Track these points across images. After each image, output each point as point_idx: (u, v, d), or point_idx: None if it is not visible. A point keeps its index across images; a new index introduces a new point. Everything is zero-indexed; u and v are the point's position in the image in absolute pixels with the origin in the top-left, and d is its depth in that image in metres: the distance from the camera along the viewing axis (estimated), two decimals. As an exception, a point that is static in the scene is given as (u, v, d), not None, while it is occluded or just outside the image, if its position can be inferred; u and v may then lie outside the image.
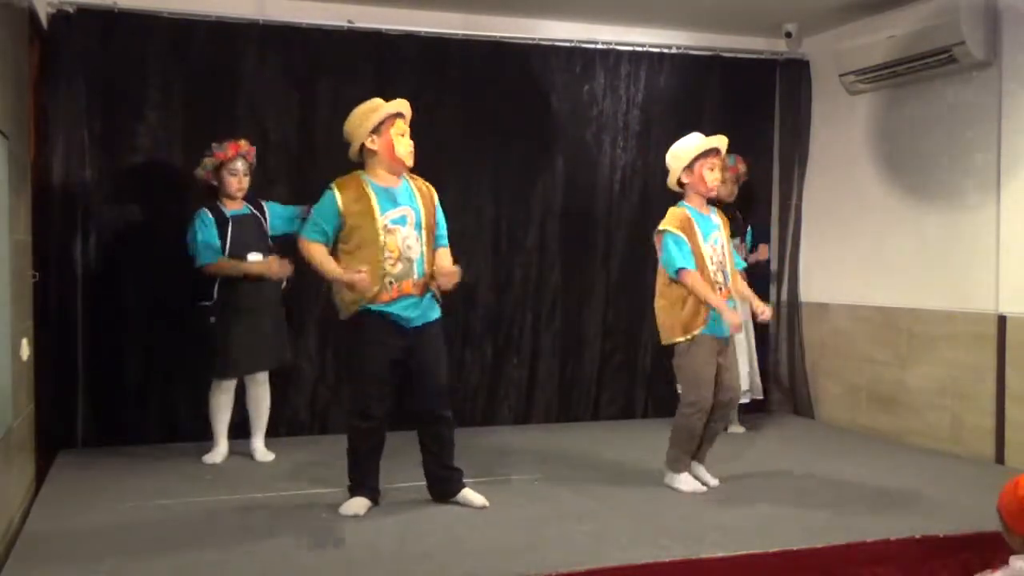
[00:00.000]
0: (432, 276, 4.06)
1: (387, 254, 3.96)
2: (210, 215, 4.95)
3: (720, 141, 4.45)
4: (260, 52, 5.65)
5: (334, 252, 4.05)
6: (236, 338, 4.92)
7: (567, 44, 6.21)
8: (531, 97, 6.15)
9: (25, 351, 4.25)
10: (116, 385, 5.45)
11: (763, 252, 6.16)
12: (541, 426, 6.15)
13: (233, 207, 5.03)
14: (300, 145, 5.75)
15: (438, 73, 5.88)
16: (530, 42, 6.13)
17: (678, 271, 4.35)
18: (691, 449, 4.47)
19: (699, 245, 4.38)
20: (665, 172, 4.61)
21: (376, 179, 4.05)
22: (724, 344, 4.44)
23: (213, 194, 5.05)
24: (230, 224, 4.97)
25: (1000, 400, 5.11)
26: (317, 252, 4.02)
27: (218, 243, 4.92)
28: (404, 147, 4.03)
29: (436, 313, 4.13)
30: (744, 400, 5.91)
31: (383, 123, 4.01)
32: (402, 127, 4.04)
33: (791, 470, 4.69)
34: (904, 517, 3.98)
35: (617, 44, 6.29)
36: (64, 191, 5.32)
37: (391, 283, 3.97)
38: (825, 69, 6.33)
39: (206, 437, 5.22)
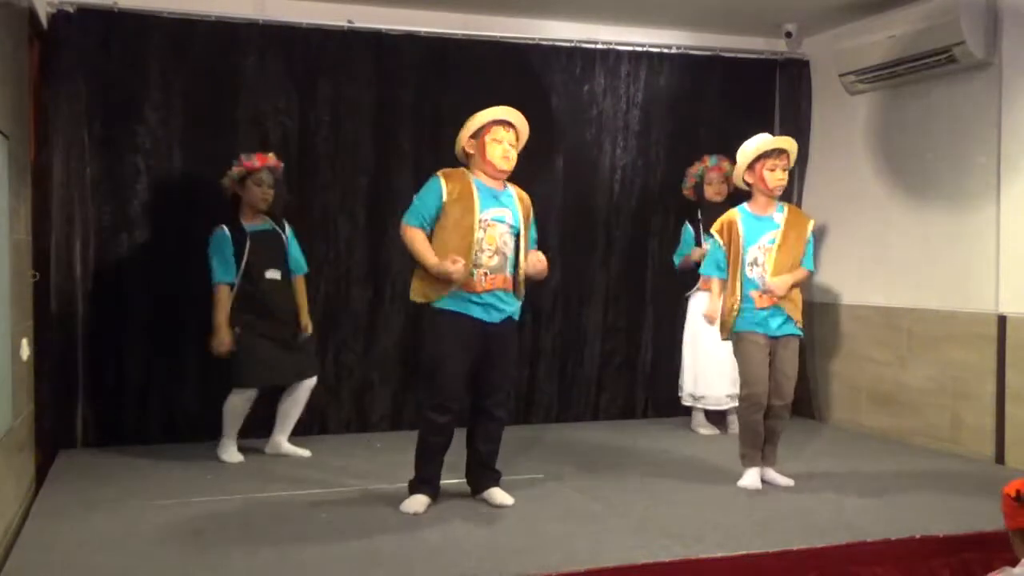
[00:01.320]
0: (524, 275, 4.14)
1: (485, 246, 4.02)
2: (227, 232, 4.96)
3: (784, 142, 4.52)
4: (260, 52, 5.64)
5: (430, 235, 4.08)
6: (259, 350, 4.95)
7: (567, 44, 6.21)
8: (531, 97, 6.13)
9: (25, 351, 4.25)
10: (116, 385, 5.45)
11: (695, 254, 5.78)
12: (541, 426, 6.15)
13: (255, 222, 5.04)
14: (300, 145, 5.75)
15: (438, 73, 5.88)
16: (530, 42, 6.13)
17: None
18: (756, 445, 4.50)
19: (739, 249, 4.46)
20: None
21: (479, 178, 4.12)
22: (775, 342, 4.48)
23: (236, 206, 5.05)
24: (248, 240, 4.98)
25: (1000, 400, 5.11)
26: (417, 239, 4.05)
27: (232, 261, 4.94)
28: (497, 152, 4.07)
29: (517, 311, 4.18)
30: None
31: (482, 128, 4.08)
32: (500, 134, 4.08)
33: (791, 470, 4.68)
34: (904, 517, 3.98)
35: (617, 44, 6.29)
36: (64, 191, 5.32)
37: (486, 274, 4.02)
38: (825, 69, 6.33)
39: (206, 437, 5.23)
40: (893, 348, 5.82)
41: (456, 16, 5.97)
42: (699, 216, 5.84)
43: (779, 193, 4.52)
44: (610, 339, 6.39)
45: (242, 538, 3.72)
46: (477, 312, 4.03)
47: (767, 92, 6.67)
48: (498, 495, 4.19)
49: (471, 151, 4.13)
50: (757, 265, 4.46)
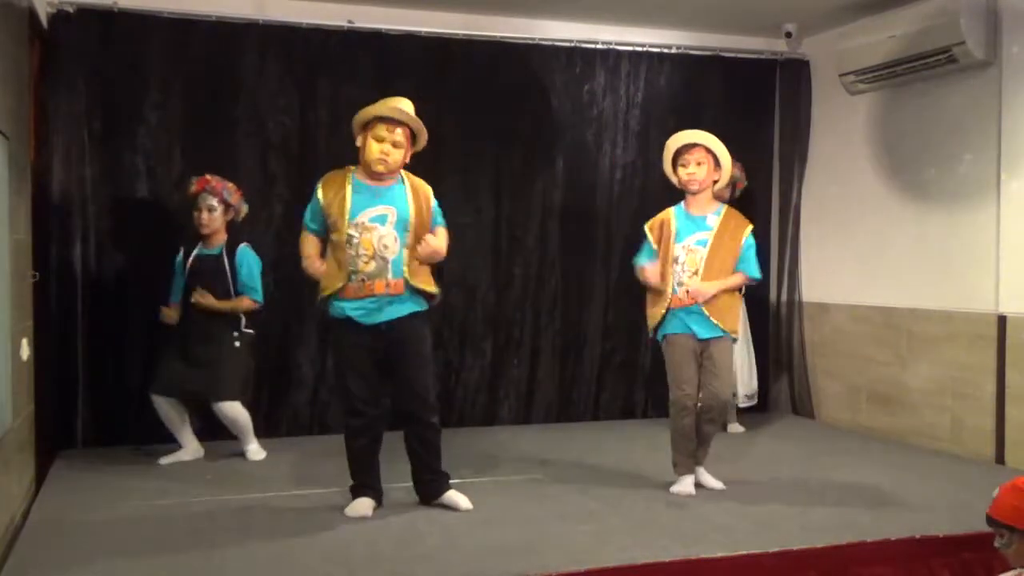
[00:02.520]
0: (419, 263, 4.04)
1: (361, 251, 3.93)
2: (181, 255, 5.10)
3: (693, 136, 4.41)
4: (260, 52, 5.64)
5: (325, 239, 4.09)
6: (168, 361, 5.01)
7: (567, 44, 6.21)
8: (531, 97, 6.15)
9: (25, 351, 4.25)
10: (116, 385, 5.45)
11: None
12: (541, 426, 6.15)
13: (209, 245, 5.05)
14: (300, 145, 5.75)
15: (438, 73, 5.88)
16: (530, 42, 6.13)
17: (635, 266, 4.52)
18: (686, 450, 4.44)
19: (670, 244, 4.40)
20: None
21: (361, 177, 4.04)
22: (705, 345, 4.39)
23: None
24: (191, 262, 5.04)
25: (1000, 400, 5.11)
26: (305, 242, 4.10)
27: (180, 282, 5.06)
28: (373, 152, 3.95)
29: (413, 306, 4.03)
30: (745, 404, 5.91)
31: (368, 124, 3.99)
32: (381, 132, 3.95)
33: (791, 470, 4.69)
34: (904, 517, 3.98)
35: (617, 44, 6.29)
36: (64, 191, 5.32)
37: (363, 280, 3.94)
38: (825, 69, 6.33)
39: (206, 437, 5.23)
40: (893, 348, 5.82)
41: (456, 16, 5.97)
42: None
43: (694, 188, 4.39)
44: (610, 339, 6.39)
45: (241, 538, 3.72)
46: (365, 317, 3.96)
47: (767, 92, 6.67)
48: (458, 499, 4.10)
49: (359, 145, 4.04)
50: (677, 263, 4.38)
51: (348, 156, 5.77)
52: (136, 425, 5.45)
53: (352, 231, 3.94)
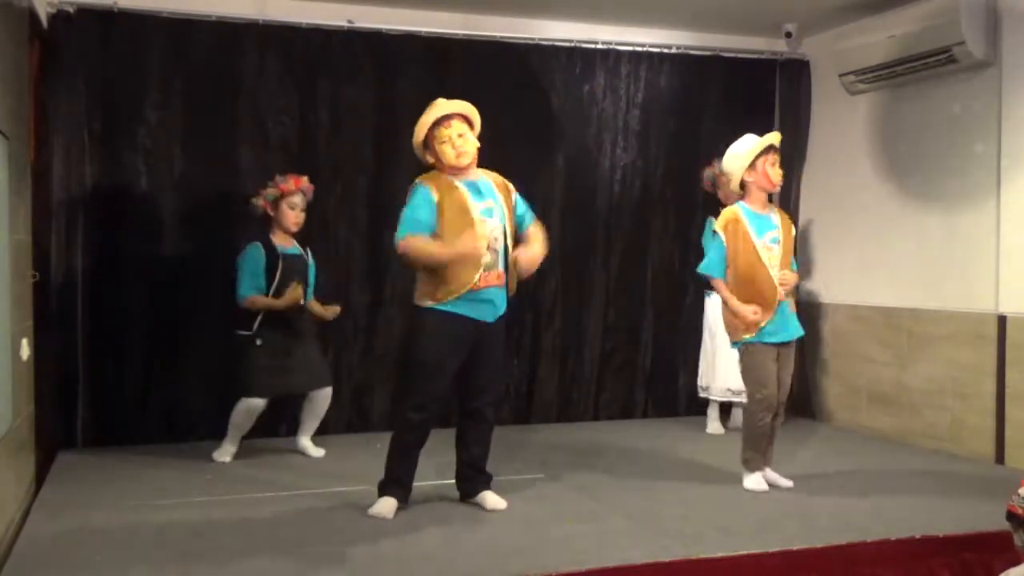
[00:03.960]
0: (514, 264, 4.06)
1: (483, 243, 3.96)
2: (262, 250, 4.99)
3: (775, 138, 4.53)
4: (260, 52, 5.64)
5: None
6: (272, 362, 4.97)
7: (567, 44, 6.21)
8: (531, 97, 6.15)
9: (25, 351, 4.25)
10: (116, 385, 5.45)
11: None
12: (541, 426, 6.15)
13: (286, 244, 5.08)
14: (300, 145, 5.75)
15: (438, 73, 5.88)
16: (530, 42, 6.13)
17: (707, 278, 4.62)
18: (762, 448, 4.51)
19: (752, 242, 4.44)
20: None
21: (455, 176, 4.05)
22: (784, 346, 4.51)
23: (266, 226, 5.07)
24: (281, 261, 5.00)
25: (1000, 400, 5.11)
26: (420, 242, 3.96)
27: (263, 279, 4.97)
28: (449, 153, 4.01)
29: (505, 306, 4.13)
30: (740, 399, 5.89)
31: (427, 136, 4.04)
32: (443, 134, 4.00)
33: (791, 470, 4.69)
34: (904, 517, 3.98)
35: (617, 44, 6.29)
36: (64, 191, 5.32)
37: (482, 274, 3.97)
38: (825, 69, 6.33)
39: (206, 437, 5.24)
40: (893, 348, 5.82)
41: (456, 16, 5.97)
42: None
43: (778, 189, 4.58)
44: (610, 339, 6.39)
45: (241, 539, 3.72)
46: (475, 311, 3.99)
47: (767, 92, 6.67)
48: (491, 499, 4.15)
49: (431, 159, 4.09)
50: (769, 262, 4.47)
51: (348, 156, 5.83)
52: (136, 425, 5.46)
53: (476, 222, 3.96)
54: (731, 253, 4.47)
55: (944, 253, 5.50)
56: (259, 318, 4.97)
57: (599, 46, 6.26)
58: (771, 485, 4.50)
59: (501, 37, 6.06)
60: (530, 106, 6.14)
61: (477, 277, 3.95)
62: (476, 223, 3.95)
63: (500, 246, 4.04)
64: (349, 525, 3.89)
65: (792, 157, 6.60)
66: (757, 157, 4.46)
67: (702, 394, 6.02)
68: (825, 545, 3.61)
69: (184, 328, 5.48)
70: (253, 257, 4.98)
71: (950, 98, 5.47)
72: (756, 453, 4.51)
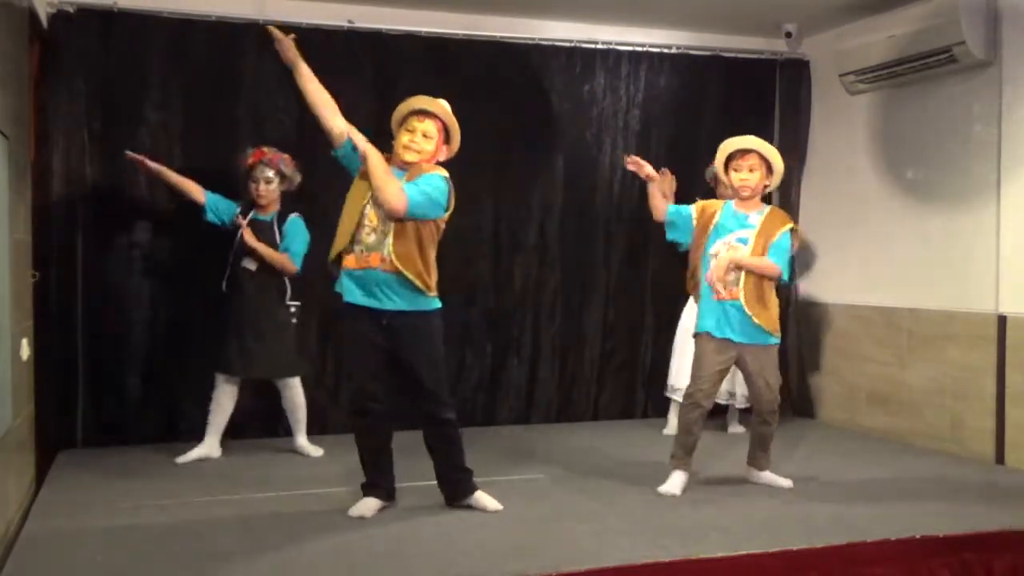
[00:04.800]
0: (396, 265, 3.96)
1: (366, 222, 3.95)
2: (238, 207, 5.05)
3: (747, 142, 4.45)
4: (260, 52, 5.63)
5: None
6: (227, 338, 4.98)
7: (567, 44, 6.21)
8: (531, 97, 6.15)
9: (25, 351, 4.25)
10: (116, 385, 5.45)
11: None
12: (541, 426, 6.15)
13: (261, 213, 5.09)
14: (300, 145, 5.74)
15: (438, 73, 5.87)
16: (530, 42, 6.13)
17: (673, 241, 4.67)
18: (685, 444, 4.44)
19: (707, 234, 4.45)
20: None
21: (397, 166, 4.07)
22: (744, 349, 4.38)
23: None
24: (246, 220, 5.03)
25: (1000, 400, 5.11)
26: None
27: (221, 208, 5.04)
28: (403, 140, 4.05)
29: (421, 304, 3.97)
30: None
31: (403, 119, 4.11)
32: (413, 124, 4.06)
33: (791, 470, 4.69)
34: (904, 517, 3.98)
35: (617, 44, 6.29)
36: (64, 191, 5.32)
37: (363, 251, 3.95)
38: (825, 69, 6.33)
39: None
40: (893, 348, 5.82)
41: (456, 16, 5.97)
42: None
43: (747, 193, 4.42)
44: (610, 339, 6.39)
45: (241, 538, 3.72)
46: (367, 299, 3.92)
47: (767, 92, 6.67)
48: (484, 500, 4.09)
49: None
50: (715, 257, 4.39)
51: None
52: (136, 425, 5.46)
53: (368, 202, 3.99)
54: (696, 231, 4.49)
55: (944, 253, 5.50)
56: (224, 279, 5.02)
57: (599, 46, 6.26)
58: (769, 486, 4.50)
59: (501, 37, 6.06)
60: (530, 106, 6.14)
61: (351, 247, 3.94)
62: (367, 201, 3.96)
63: (383, 234, 3.92)
64: (349, 525, 3.89)
65: (792, 157, 6.60)
66: (728, 161, 4.46)
67: (667, 393, 5.93)
68: (825, 545, 3.61)
69: (184, 328, 5.47)
70: (214, 203, 5.07)
71: (950, 98, 5.47)
72: (679, 448, 4.45)
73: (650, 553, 3.49)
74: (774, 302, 4.44)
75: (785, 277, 4.49)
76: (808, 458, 5.20)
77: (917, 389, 5.64)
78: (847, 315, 6.22)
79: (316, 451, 5.21)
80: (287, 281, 5.11)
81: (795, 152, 6.58)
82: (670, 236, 4.64)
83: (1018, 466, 4.96)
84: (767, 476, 4.58)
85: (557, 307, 6.27)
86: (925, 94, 5.63)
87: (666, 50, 6.39)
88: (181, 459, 4.99)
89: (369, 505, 4.03)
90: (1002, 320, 5.11)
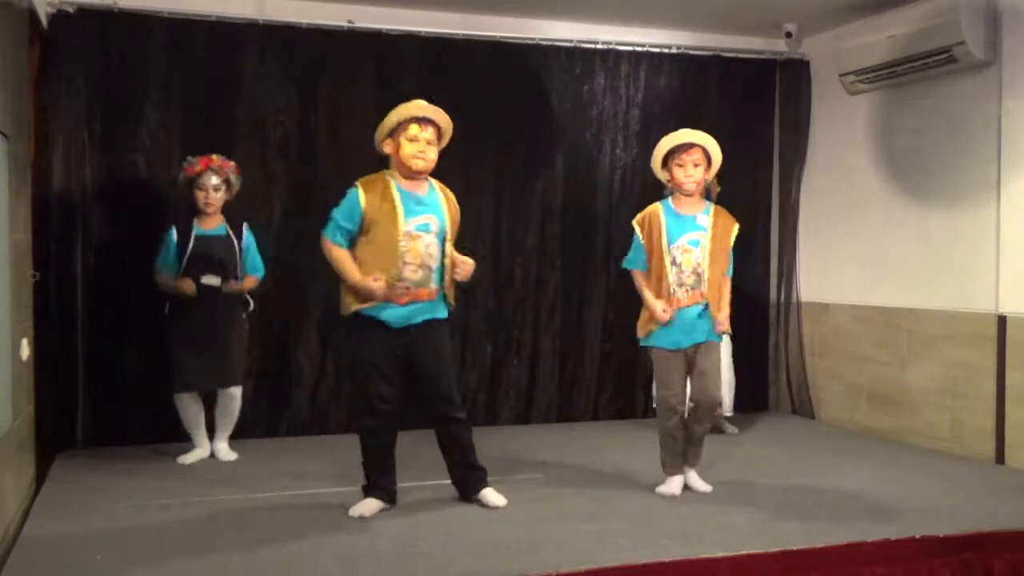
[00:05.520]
0: (452, 267, 4.05)
1: (408, 260, 3.94)
2: (175, 234, 4.96)
3: (692, 135, 4.32)
4: (260, 52, 5.65)
5: (353, 244, 4.02)
6: (185, 355, 4.95)
7: (567, 44, 6.21)
8: (531, 97, 6.15)
9: (25, 351, 4.25)
10: (116, 385, 5.45)
11: None
12: (541, 426, 6.15)
13: (207, 225, 5.01)
14: (300, 145, 5.75)
15: (438, 73, 5.88)
16: (530, 42, 6.13)
17: (626, 269, 4.48)
18: (673, 449, 4.43)
19: (662, 245, 4.30)
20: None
21: (400, 183, 4.04)
22: (694, 349, 4.34)
23: (194, 207, 5.04)
24: (192, 243, 4.95)
25: (1000, 400, 5.11)
26: (339, 256, 3.99)
27: (173, 261, 4.94)
28: (410, 151, 3.99)
29: (442, 312, 4.10)
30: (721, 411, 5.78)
31: (399, 126, 4.01)
32: (414, 131, 3.99)
33: (791, 470, 4.69)
34: (904, 517, 3.98)
35: (617, 44, 6.29)
36: (64, 191, 5.32)
37: (408, 288, 3.95)
38: (825, 69, 6.33)
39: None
40: (893, 348, 5.82)
41: (456, 16, 5.97)
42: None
43: (691, 189, 4.31)
44: (610, 339, 6.39)
45: (241, 538, 3.72)
46: (395, 318, 3.97)
47: (767, 92, 6.68)
48: (490, 496, 4.16)
49: (388, 151, 4.06)
50: (675, 265, 4.30)
51: (348, 156, 5.82)
52: (136, 425, 5.46)
53: (402, 240, 3.94)
54: (648, 248, 4.36)
55: (944, 253, 5.50)
56: (167, 303, 4.97)
57: (599, 46, 6.26)
58: (689, 488, 4.44)
59: (501, 37, 6.06)
60: (530, 106, 6.14)
61: (398, 292, 3.93)
62: (400, 239, 3.93)
63: (435, 261, 4.01)
64: (349, 525, 3.89)
65: (792, 157, 6.61)
66: (669, 155, 4.32)
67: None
68: (825, 545, 3.61)
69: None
70: (165, 240, 4.97)
71: (950, 98, 5.47)
72: (669, 455, 4.44)
73: (650, 553, 3.49)
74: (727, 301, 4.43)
75: (729, 273, 4.45)
76: (808, 458, 5.20)
77: (917, 389, 5.64)
78: (847, 315, 6.22)
79: (231, 455, 5.14)
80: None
81: (795, 152, 6.58)
82: (638, 267, 4.43)
83: (1018, 466, 4.95)
84: (693, 476, 4.50)
85: (557, 307, 6.27)
86: (925, 94, 5.63)
87: (666, 50, 6.39)
88: (184, 459, 5.01)
89: (370, 506, 4.04)
90: (1002, 320, 5.11)
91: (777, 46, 6.53)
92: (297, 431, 5.73)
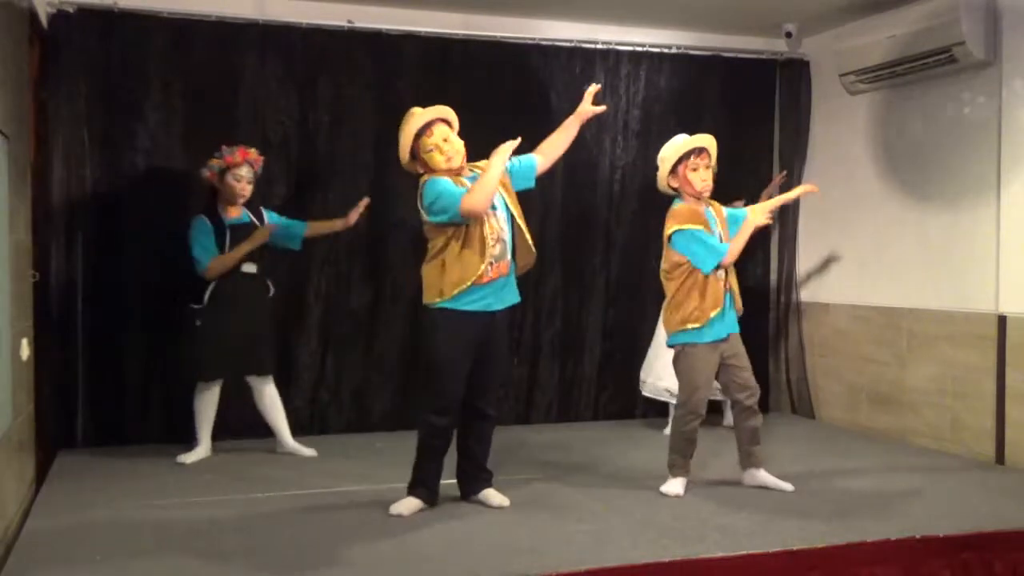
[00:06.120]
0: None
1: (488, 235, 3.98)
2: (208, 222, 4.99)
3: (702, 140, 4.39)
4: (260, 52, 5.64)
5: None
6: (222, 341, 4.96)
7: (567, 44, 6.20)
8: (531, 97, 6.14)
9: (25, 351, 4.25)
10: (116, 385, 5.45)
11: None
12: (541, 426, 6.15)
13: (233, 214, 5.07)
14: (300, 145, 5.75)
15: (438, 73, 5.88)
16: (530, 42, 6.13)
17: (720, 264, 4.36)
18: (687, 452, 4.45)
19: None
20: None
21: (450, 178, 4.01)
22: (728, 342, 4.40)
23: (213, 196, 5.06)
24: (228, 233, 5.00)
25: (1000, 400, 5.11)
26: (477, 182, 3.94)
27: (215, 248, 4.97)
28: (440, 158, 4.01)
29: (515, 296, 4.16)
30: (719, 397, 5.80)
31: (415, 147, 4.03)
32: (428, 143, 4.00)
33: (791, 470, 4.68)
34: (904, 517, 3.98)
35: (617, 44, 6.29)
36: (64, 191, 5.32)
37: (491, 263, 3.99)
38: (825, 69, 6.33)
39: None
40: (893, 348, 5.82)
41: (456, 16, 5.97)
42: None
43: (708, 193, 4.39)
44: (610, 339, 6.39)
45: (241, 539, 3.72)
46: (483, 304, 3.99)
47: (767, 92, 6.67)
48: (494, 496, 4.18)
49: (422, 170, 4.08)
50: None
51: (348, 156, 5.83)
52: (136, 425, 5.46)
53: (485, 218, 3.97)
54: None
55: (944, 253, 5.50)
56: (208, 293, 4.99)
57: (599, 46, 6.26)
58: (765, 488, 4.46)
59: (501, 37, 6.06)
60: (530, 106, 6.13)
61: (483, 268, 3.95)
62: (485, 218, 3.96)
63: (507, 236, 4.06)
64: (349, 525, 3.89)
65: (792, 157, 6.61)
66: (679, 161, 4.36)
67: (665, 397, 5.85)
68: (825, 545, 3.61)
69: (184, 328, 5.46)
70: (200, 227, 4.98)
71: (950, 98, 5.47)
72: (680, 458, 4.45)
73: (650, 553, 3.49)
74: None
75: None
76: (808, 457, 5.20)
77: (917, 389, 5.64)
78: (847, 315, 6.22)
79: (309, 451, 5.19)
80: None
81: (795, 152, 6.58)
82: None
83: (1018, 466, 4.95)
84: (763, 475, 4.52)
85: (557, 307, 6.27)
86: (925, 94, 5.63)
87: (666, 50, 6.39)
88: (184, 459, 5.01)
89: (411, 504, 4.04)
90: (1002, 320, 5.11)
91: (777, 46, 6.53)
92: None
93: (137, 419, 5.47)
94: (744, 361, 4.46)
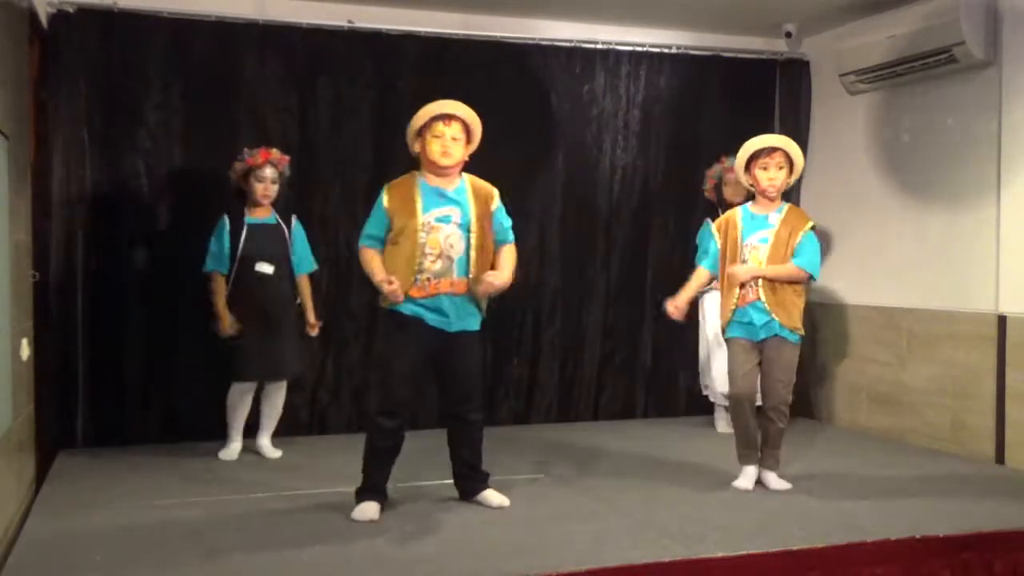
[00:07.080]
0: (474, 282, 4.03)
1: (428, 250, 3.97)
2: (227, 222, 5.02)
3: (774, 140, 4.52)
4: (260, 52, 5.65)
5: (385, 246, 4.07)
6: (246, 344, 4.97)
7: (567, 44, 6.21)
8: (531, 97, 6.15)
9: (25, 351, 4.25)
10: (116, 385, 5.45)
11: None
12: (541, 426, 6.15)
13: (258, 215, 5.08)
14: (300, 145, 5.74)
15: (438, 73, 5.88)
16: (530, 42, 6.13)
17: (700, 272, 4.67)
18: (747, 438, 4.50)
19: (737, 243, 4.46)
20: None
21: (427, 179, 4.08)
22: (763, 345, 4.44)
23: (241, 197, 5.09)
24: (245, 230, 5.01)
25: (1000, 400, 5.11)
26: (366, 256, 4.06)
27: (227, 251, 4.99)
28: (436, 149, 4.01)
29: (474, 324, 4.10)
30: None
31: (424, 126, 4.04)
32: (439, 129, 4.02)
33: (791, 470, 4.69)
34: (904, 517, 3.98)
35: (617, 44, 6.29)
36: (64, 191, 5.32)
37: (428, 280, 3.97)
38: (825, 69, 6.33)
39: (206, 437, 5.24)
40: (893, 348, 5.82)
41: (456, 16, 5.97)
42: (720, 216, 5.79)
43: (773, 193, 4.45)
44: (610, 339, 6.39)
45: (242, 539, 3.72)
46: (429, 318, 3.99)
47: (767, 92, 6.67)
48: (493, 497, 4.17)
49: (418, 150, 4.10)
50: (744, 263, 4.44)
51: (348, 156, 5.83)
52: (136, 425, 5.46)
53: (421, 231, 3.97)
54: (722, 251, 4.52)
55: (944, 253, 5.50)
56: (228, 293, 5.02)
57: (599, 46, 6.26)
58: (762, 486, 4.48)
59: (501, 37, 6.06)
60: (530, 106, 6.14)
61: (412, 279, 3.94)
62: (419, 230, 3.96)
63: (457, 252, 4.00)
64: (349, 525, 3.89)
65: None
66: (751, 160, 4.46)
67: (704, 392, 6.02)
68: (825, 545, 3.61)
69: (184, 328, 5.47)
70: (217, 228, 5.02)
71: (950, 98, 5.47)
72: (741, 448, 4.54)
73: (650, 553, 3.49)
74: (792, 301, 4.47)
75: (813, 271, 4.49)
76: (808, 458, 5.20)
77: (917, 389, 5.64)
78: (847, 315, 6.22)
79: (276, 453, 5.18)
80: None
81: (795, 152, 6.58)
82: (706, 265, 4.63)
83: (1018, 466, 4.95)
84: (770, 477, 4.54)
85: (557, 307, 6.27)
86: (925, 94, 5.63)
87: (666, 50, 6.39)
88: (225, 455, 5.07)
89: (371, 510, 4.00)
90: (1002, 320, 5.11)
91: (777, 46, 6.53)
92: (297, 431, 5.72)
93: (137, 419, 5.47)
94: (772, 368, 4.47)
